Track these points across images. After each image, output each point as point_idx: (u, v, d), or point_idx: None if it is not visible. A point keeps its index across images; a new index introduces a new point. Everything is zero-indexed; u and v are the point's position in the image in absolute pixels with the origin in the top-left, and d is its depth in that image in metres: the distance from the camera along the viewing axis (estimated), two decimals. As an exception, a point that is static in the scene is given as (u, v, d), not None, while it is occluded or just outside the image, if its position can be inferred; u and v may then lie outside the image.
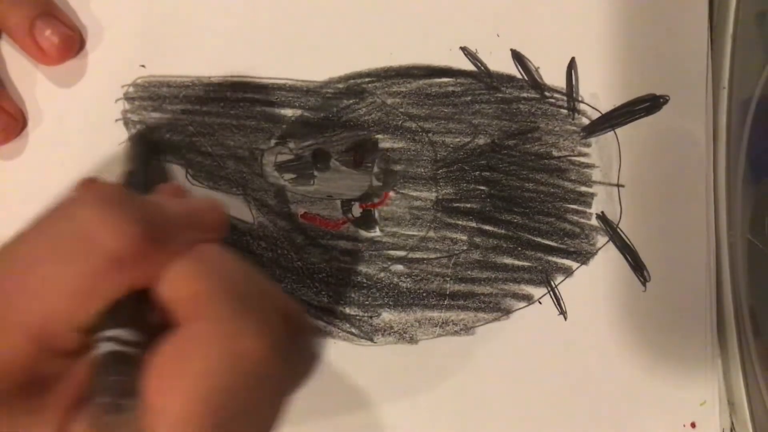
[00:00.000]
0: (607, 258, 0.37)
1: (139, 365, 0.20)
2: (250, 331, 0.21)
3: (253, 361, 0.20)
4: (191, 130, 0.36)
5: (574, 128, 0.37)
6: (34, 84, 0.36)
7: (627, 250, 0.36)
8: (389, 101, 0.37)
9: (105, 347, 0.21)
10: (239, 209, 0.36)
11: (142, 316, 0.22)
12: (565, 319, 0.36)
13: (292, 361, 0.23)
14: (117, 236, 0.20)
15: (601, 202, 0.37)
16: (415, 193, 0.36)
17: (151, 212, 0.22)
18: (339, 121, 0.36)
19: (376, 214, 0.36)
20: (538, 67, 0.37)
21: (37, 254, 0.21)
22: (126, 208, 0.21)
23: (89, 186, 0.22)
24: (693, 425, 0.36)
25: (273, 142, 0.36)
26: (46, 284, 0.20)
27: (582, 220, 0.37)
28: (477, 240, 0.36)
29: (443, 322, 0.36)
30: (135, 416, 0.20)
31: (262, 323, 0.21)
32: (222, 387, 0.20)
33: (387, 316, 0.36)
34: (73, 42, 0.35)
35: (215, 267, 0.22)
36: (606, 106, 0.37)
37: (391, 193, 0.36)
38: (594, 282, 0.36)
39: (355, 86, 0.37)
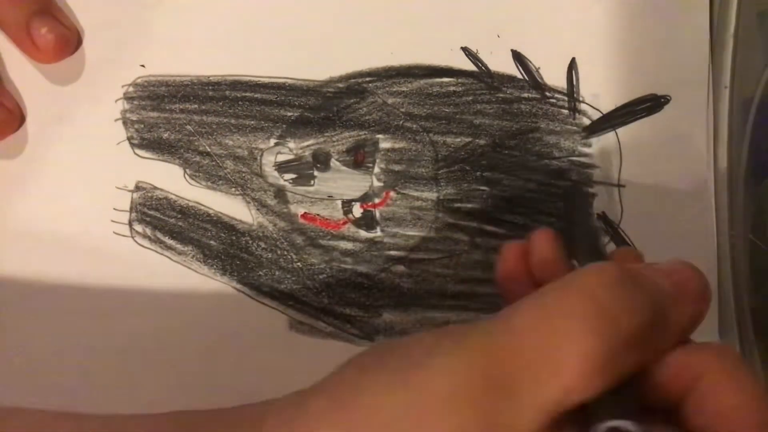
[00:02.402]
0: (608, 258, 0.36)
1: None
2: None
3: None
4: (189, 129, 0.36)
5: (575, 128, 0.37)
6: (33, 83, 0.36)
7: (628, 250, 0.36)
8: (390, 101, 0.36)
9: None
10: (238, 210, 0.36)
11: (635, 401, 0.22)
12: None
13: None
14: (632, 313, 0.21)
15: (602, 202, 0.37)
16: (416, 194, 0.36)
17: (653, 289, 0.22)
18: (339, 120, 0.36)
19: (377, 215, 0.36)
20: (539, 68, 0.37)
21: (550, 331, 0.21)
22: (637, 285, 0.22)
23: (598, 265, 0.23)
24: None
25: (272, 141, 0.36)
26: (564, 358, 0.20)
27: (583, 221, 0.37)
28: (478, 240, 0.36)
29: (445, 323, 0.36)
30: None
31: None
32: None
33: (388, 316, 0.36)
34: (69, 41, 0.35)
35: (751, 376, 0.22)
36: (607, 106, 0.37)
37: (392, 193, 0.36)
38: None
39: (355, 85, 0.36)
